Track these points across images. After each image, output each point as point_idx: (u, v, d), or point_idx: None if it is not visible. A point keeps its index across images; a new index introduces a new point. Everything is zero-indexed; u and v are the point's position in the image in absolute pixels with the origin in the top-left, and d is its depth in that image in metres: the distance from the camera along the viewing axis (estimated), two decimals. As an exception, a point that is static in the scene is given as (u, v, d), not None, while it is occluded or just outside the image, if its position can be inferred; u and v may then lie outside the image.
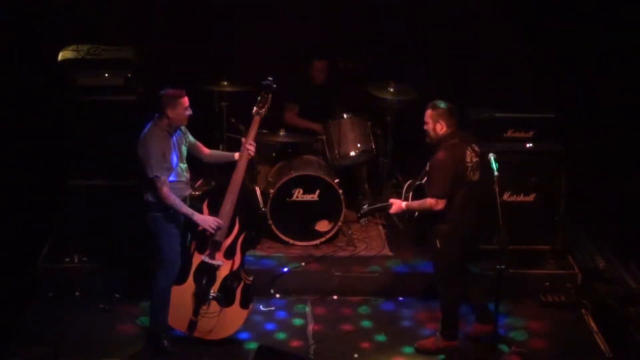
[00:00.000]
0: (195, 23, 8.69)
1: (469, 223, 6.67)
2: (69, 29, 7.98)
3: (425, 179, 6.70)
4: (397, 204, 6.75)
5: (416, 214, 6.77)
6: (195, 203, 6.73)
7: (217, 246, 6.67)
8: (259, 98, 6.80)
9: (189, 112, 6.55)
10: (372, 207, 7.13)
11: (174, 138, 6.58)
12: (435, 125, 6.60)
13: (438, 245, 6.66)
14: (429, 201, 6.55)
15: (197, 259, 6.70)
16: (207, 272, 6.69)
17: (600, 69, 7.99)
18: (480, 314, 6.99)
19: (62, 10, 8.09)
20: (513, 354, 6.87)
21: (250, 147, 6.72)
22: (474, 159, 6.62)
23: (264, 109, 6.77)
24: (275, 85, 6.82)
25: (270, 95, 6.79)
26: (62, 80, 7.40)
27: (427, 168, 6.65)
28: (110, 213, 7.48)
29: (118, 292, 7.47)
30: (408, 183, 6.93)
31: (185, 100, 6.52)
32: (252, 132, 6.74)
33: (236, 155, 6.79)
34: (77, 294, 7.53)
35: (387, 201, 6.86)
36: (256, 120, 6.76)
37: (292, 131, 8.38)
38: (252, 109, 6.78)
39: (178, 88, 6.56)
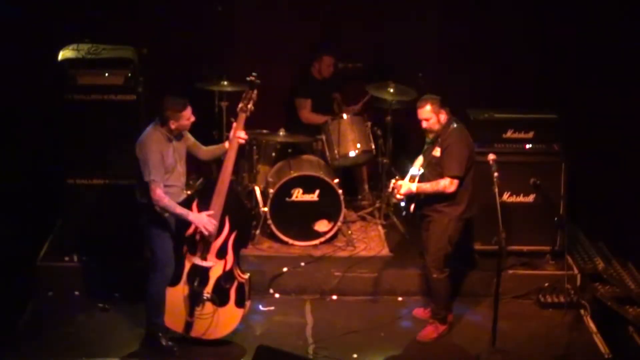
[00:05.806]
0: (195, 22, 8.68)
1: (473, 204, 6.80)
2: (69, 28, 7.97)
3: (422, 170, 6.79)
4: (407, 186, 6.77)
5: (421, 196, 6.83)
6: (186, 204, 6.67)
7: (207, 247, 6.62)
8: (243, 94, 6.70)
9: (191, 119, 6.54)
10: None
11: (174, 142, 6.56)
12: (439, 116, 6.73)
13: (447, 226, 6.75)
14: (443, 182, 6.64)
15: (189, 260, 6.67)
16: (199, 273, 6.66)
17: (601, 69, 7.98)
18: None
19: (62, 9, 8.08)
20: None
21: (240, 139, 6.62)
22: None
23: (249, 105, 6.63)
24: (259, 81, 6.68)
25: (255, 91, 6.65)
26: (62, 80, 7.40)
27: (439, 154, 6.72)
28: (109, 212, 7.47)
29: (117, 291, 7.46)
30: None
31: (188, 112, 6.49)
32: (238, 130, 6.64)
33: (226, 143, 6.73)
34: (77, 293, 7.53)
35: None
36: (241, 117, 6.64)
37: (293, 131, 8.38)
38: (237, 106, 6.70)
39: (181, 96, 6.51)
